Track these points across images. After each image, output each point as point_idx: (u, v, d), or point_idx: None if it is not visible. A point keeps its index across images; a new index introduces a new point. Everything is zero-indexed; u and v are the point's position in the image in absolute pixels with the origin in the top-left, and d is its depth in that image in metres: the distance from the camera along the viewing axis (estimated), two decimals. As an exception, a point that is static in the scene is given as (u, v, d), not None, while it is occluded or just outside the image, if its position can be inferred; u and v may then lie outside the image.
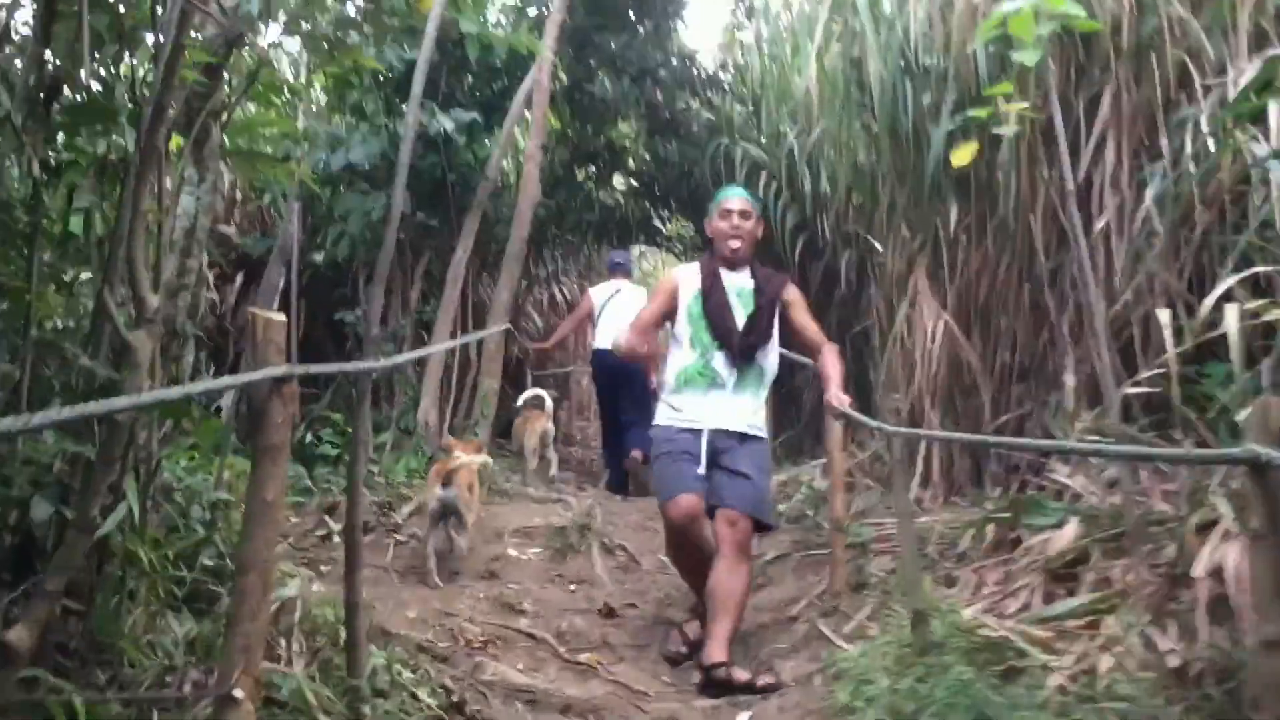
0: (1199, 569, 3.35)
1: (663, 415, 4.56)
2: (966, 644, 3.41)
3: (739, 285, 4.59)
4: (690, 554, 4.31)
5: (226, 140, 5.66)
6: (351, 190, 7.61)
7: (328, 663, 3.22)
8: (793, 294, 4.70)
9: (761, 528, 4.38)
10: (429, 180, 7.95)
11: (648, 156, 10.96)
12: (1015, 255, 5.76)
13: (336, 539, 5.70)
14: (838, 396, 4.32)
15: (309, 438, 7.44)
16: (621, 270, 8.70)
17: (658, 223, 11.95)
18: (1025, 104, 4.08)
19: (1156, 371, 4.40)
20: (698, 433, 4.37)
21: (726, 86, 10.52)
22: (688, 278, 4.66)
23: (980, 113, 4.07)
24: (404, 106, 7.55)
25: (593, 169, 11.24)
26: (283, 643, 3.30)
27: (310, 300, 8.90)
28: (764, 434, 4.58)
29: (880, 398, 6.39)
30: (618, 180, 11.73)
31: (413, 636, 3.87)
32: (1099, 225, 5.21)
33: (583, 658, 4.11)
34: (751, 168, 9.27)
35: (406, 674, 3.34)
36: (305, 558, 5.20)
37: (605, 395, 8.37)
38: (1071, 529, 4.40)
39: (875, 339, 6.96)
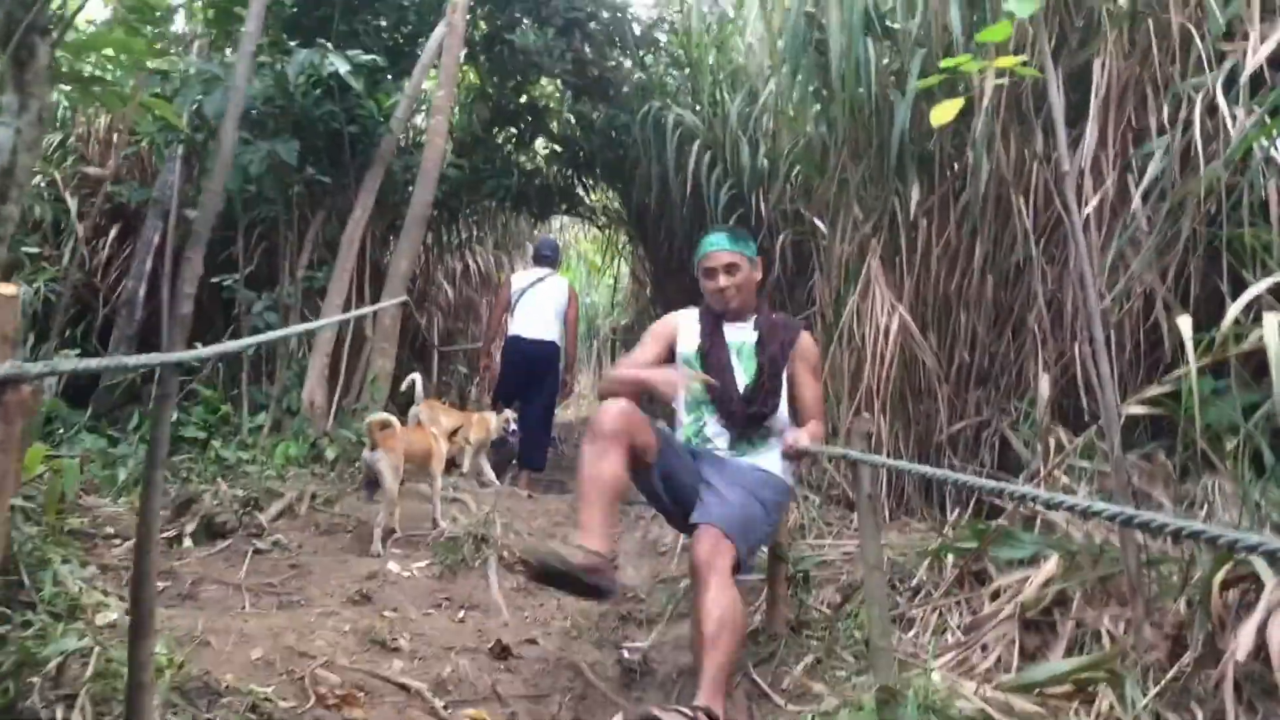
0: (1239, 648, 2.69)
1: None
2: (942, 725, 2.72)
3: (740, 340, 3.88)
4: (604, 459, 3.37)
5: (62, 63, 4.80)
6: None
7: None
8: (804, 346, 3.93)
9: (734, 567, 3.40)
10: (324, 131, 7.05)
11: (573, 120, 10.13)
12: (984, 241, 5.09)
13: (187, 542, 4.87)
14: (795, 434, 3.62)
15: (175, 416, 6.55)
16: (549, 261, 8.05)
17: (581, 192, 11.14)
18: (1021, 58, 3.36)
19: (1162, 390, 3.76)
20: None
21: (661, 45, 9.72)
22: (687, 326, 3.96)
23: (968, 64, 3.36)
24: (295, 45, 6.66)
25: (513, 131, 10.38)
26: (57, 716, 2.48)
27: (179, 255, 7.97)
28: (777, 471, 3.75)
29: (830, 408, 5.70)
30: (539, 144, 10.88)
31: (248, 690, 3.07)
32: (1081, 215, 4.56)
33: (466, 715, 3.33)
34: (684, 136, 8.52)
35: (223, 759, 2.54)
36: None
37: (512, 383, 7.69)
38: (1049, 567, 3.76)
39: (818, 332, 6.26)
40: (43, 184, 8.30)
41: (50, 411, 6.88)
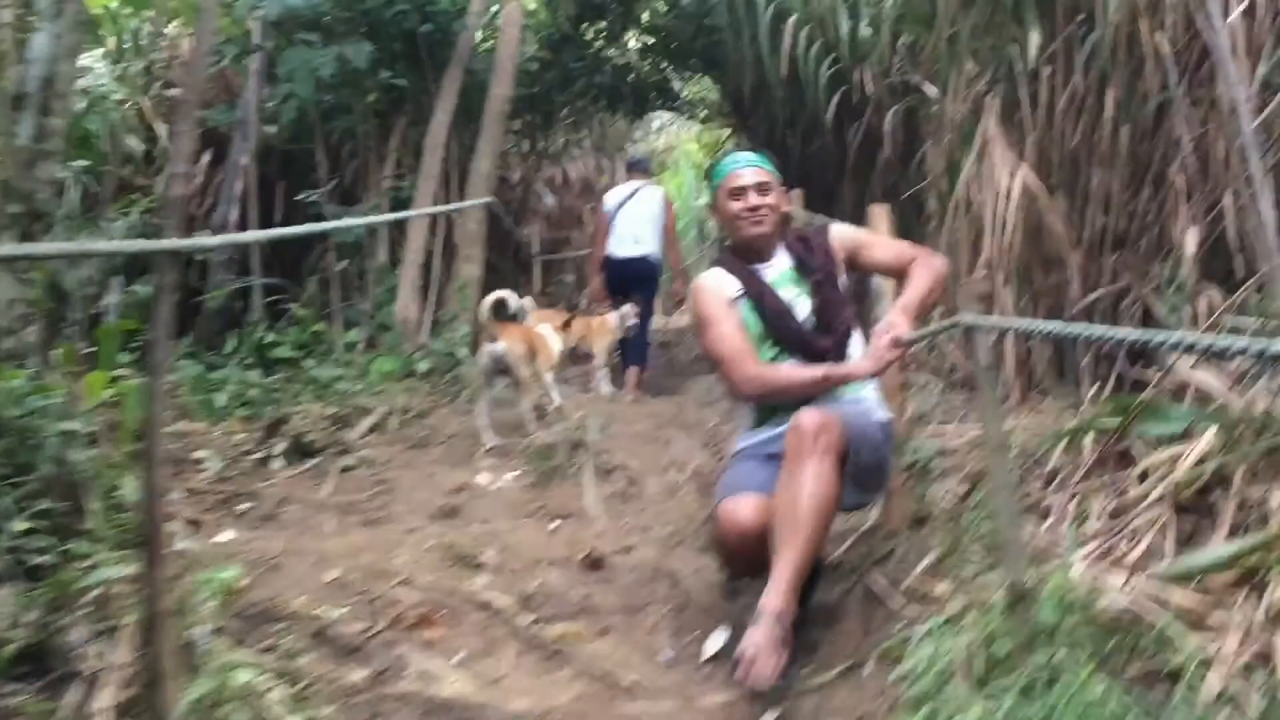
0: None
1: (740, 441, 3.37)
2: (1085, 625, 2.32)
3: (778, 274, 3.31)
4: (747, 568, 3.02)
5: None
6: (296, 44, 6.38)
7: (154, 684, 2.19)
8: (843, 237, 3.39)
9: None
10: (398, 32, 6.73)
11: (661, 7, 9.62)
12: (1116, 86, 4.51)
13: (276, 463, 4.72)
14: (888, 324, 3.05)
15: (268, 337, 6.44)
16: (639, 169, 7.87)
17: (678, 85, 10.67)
18: None
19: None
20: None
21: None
22: (726, 286, 3.30)
23: None
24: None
25: (602, 25, 9.93)
26: (91, 652, 2.28)
27: (267, 175, 7.84)
28: (876, 406, 3.29)
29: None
30: (630, 38, 10.41)
31: (315, 615, 2.85)
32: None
33: (554, 633, 3.07)
34: (779, 12, 7.95)
35: (275, 691, 2.30)
36: (223, 493, 4.20)
37: (616, 298, 7.45)
38: (1205, 442, 3.29)
39: (932, 205, 5.75)
40: (130, 113, 8.21)
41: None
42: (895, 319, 3.04)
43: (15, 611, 2.32)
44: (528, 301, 6.49)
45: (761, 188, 3.27)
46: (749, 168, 3.30)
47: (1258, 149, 2.75)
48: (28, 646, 2.25)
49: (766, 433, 3.21)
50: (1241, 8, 3.79)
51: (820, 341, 3.19)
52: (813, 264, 3.28)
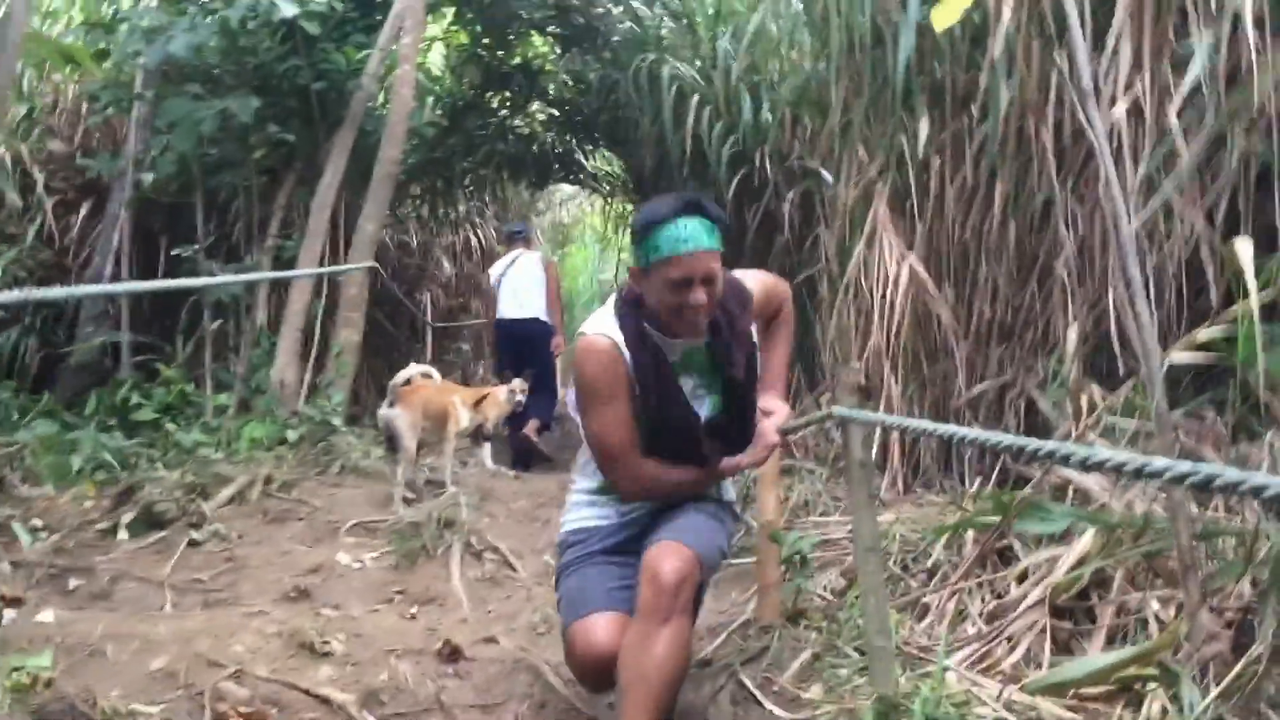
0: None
1: (575, 515, 2.92)
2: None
3: (684, 353, 2.73)
4: (607, 684, 2.66)
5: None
6: (180, 95, 6.13)
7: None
8: (761, 302, 2.90)
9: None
10: (290, 88, 6.53)
11: (568, 81, 9.59)
12: (1005, 180, 4.52)
13: (121, 534, 4.40)
14: (768, 425, 2.81)
15: (132, 397, 6.11)
16: (520, 239, 8.16)
17: (581, 157, 10.61)
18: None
19: (1212, 333, 3.21)
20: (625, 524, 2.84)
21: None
22: (620, 350, 2.67)
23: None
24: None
25: (507, 95, 9.86)
26: None
27: (149, 230, 7.53)
28: (729, 496, 3.02)
29: (829, 362, 5.16)
30: (535, 108, 10.35)
31: (129, 711, 2.58)
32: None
33: (396, 732, 2.84)
34: (682, 90, 7.94)
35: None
36: (56, 567, 3.88)
37: (507, 363, 7.62)
38: (1084, 543, 3.22)
39: (824, 289, 5.71)
40: (8, 160, 7.85)
41: (6, 395, 6.46)
42: (773, 405, 2.85)
43: None
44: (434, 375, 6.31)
45: (709, 279, 2.54)
46: (701, 252, 2.52)
47: (1135, 251, 2.70)
48: None
49: (607, 512, 2.85)
50: (1123, 107, 3.81)
51: (711, 453, 2.73)
52: (731, 353, 2.72)
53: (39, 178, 7.95)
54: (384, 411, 5.33)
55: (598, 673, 2.60)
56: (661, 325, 2.65)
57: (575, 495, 2.95)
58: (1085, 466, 1.42)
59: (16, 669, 2.70)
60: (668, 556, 2.49)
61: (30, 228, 7.78)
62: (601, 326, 2.69)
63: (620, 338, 2.65)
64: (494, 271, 7.93)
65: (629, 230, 2.77)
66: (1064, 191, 4.35)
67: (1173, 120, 3.70)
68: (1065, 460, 1.45)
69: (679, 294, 2.53)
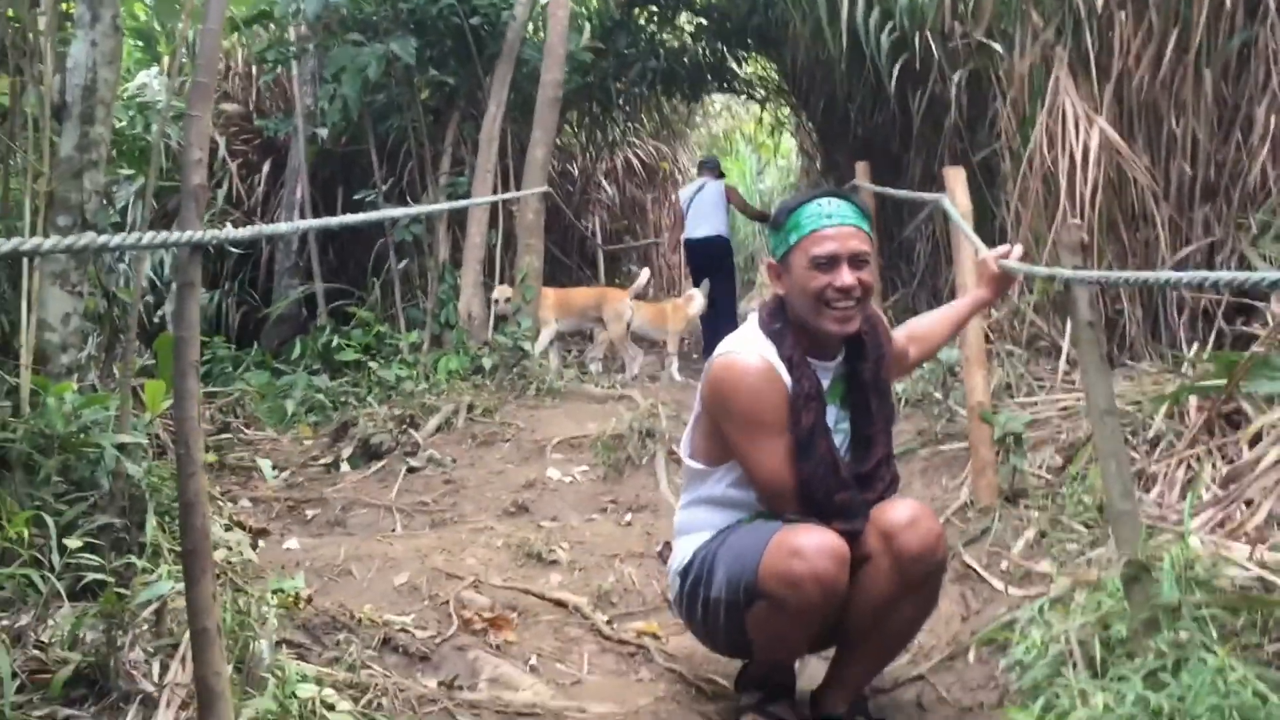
0: None
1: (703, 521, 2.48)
2: (1210, 602, 2.11)
3: (835, 378, 2.44)
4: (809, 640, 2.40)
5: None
6: (343, 44, 6.29)
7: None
8: (899, 342, 2.65)
9: None
10: (446, 28, 6.62)
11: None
12: (1196, 26, 4.25)
13: (344, 467, 4.64)
14: (996, 251, 2.60)
15: (333, 341, 6.40)
16: (708, 168, 8.83)
17: (734, 65, 10.44)
18: None
19: None
20: None
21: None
22: (778, 374, 2.34)
23: None
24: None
25: (653, 9, 9.76)
26: (149, 671, 2.18)
27: (327, 180, 7.81)
28: None
29: (1021, 233, 4.95)
30: (684, 19, 10.21)
31: (384, 621, 2.74)
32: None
33: (631, 631, 2.94)
34: (834, -17, 7.70)
35: (341, 704, 2.19)
36: (291, 500, 4.13)
37: (699, 278, 8.29)
38: (1321, 398, 3.06)
39: (1006, 165, 5.49)
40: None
41: (217, 351, 6.84)
42: (999, 251, 2.62)
43: (73, 631, 2.24)
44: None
45: (858, 259, 2.30)
46: (845, 226, 2.29)
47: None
48: (85, 667, 2.17)
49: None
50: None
51: (845, 506, 2.30)
52: (865, 375, 2.41)
53: (220, 141, 8.32)
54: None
55: (823, 603, 2.19)
56: (811, 342, 2.36)
57: (694, 512, 2.51)
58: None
59: (277, 591, 2.90)
60: (922, 520, 2.28)
61: (219, 192, 8.16)
62: (750, 345, 2.37)
63: (775, 358, 2.34)
64: (683, 195, 8.70)
65: (769, 227, 2.60)
66: (1264, 28, 4.06)
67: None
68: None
69: (825, 275, 2.27)
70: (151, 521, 2.98)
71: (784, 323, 2.37)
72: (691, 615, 2.44)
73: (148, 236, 1.77)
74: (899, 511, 2.29)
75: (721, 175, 8.94)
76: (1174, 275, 1.71)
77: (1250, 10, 4.20)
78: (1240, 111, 4.42)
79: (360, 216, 2.94)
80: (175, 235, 1.81)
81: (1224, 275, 1.58)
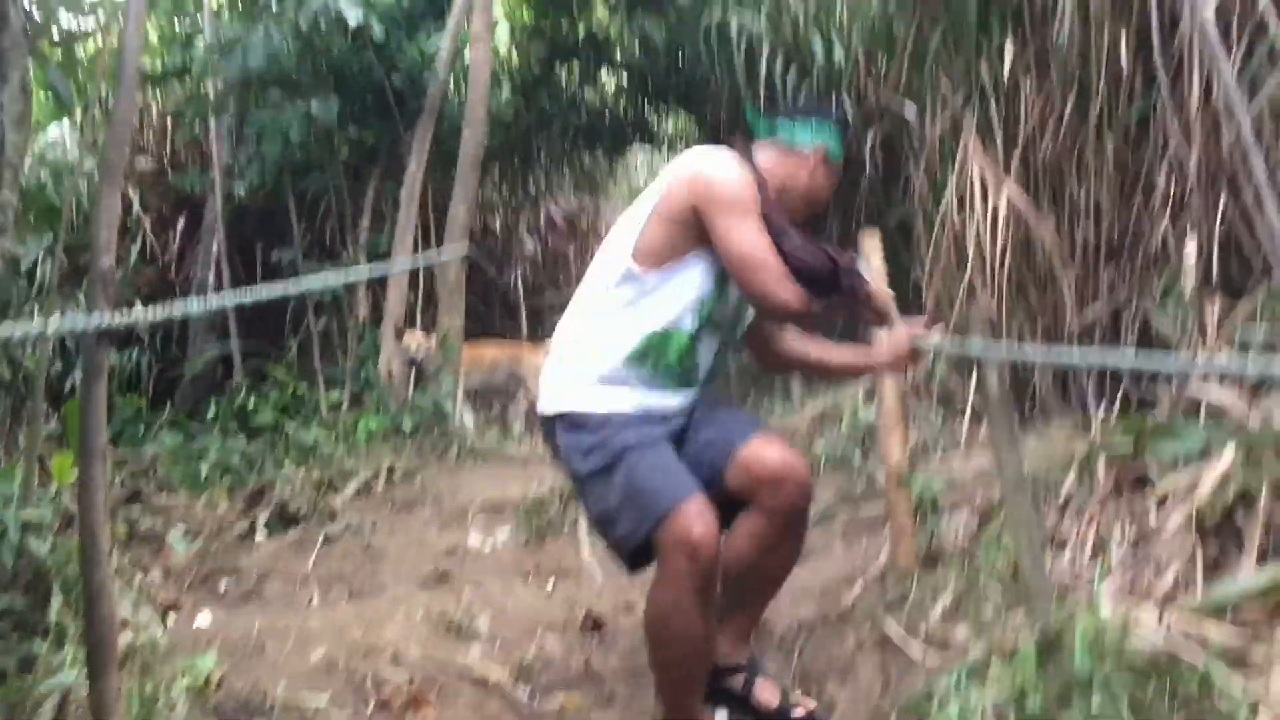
0: None
1: (622, 394, 2.58)
2: (1121, 671, 2.16)
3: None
4: (711, 594, 2.54)
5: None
6: (263, 104, 6.26)
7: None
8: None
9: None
10: (367, 86, 6.61)
11: (635, 46, 9.54)
12: (1097, 93, 4.41)
13: (259, 535, 4.55)
14: (911, 330, 2.69)
15: (249, 402, 6.29)
16: None
17: (654, 120, 10.56)
18: None
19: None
20: (666, 418, 2.64)
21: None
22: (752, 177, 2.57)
23: None
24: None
25: (575, 66, 9.85)
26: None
27: (245, 235, 7.72)
28: None
29: (929, 304, 5.07)
30: (604, 76, 10.32)
31: (298, 704, 2.68)
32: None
33: (554, 705, 2.91)
34: (752, 42, 7.85)
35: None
36: (204, 571, 4.03)
37: None
38: (1224, 462, 3.14)
39: (919, 227, 5.61)
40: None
41: (131, 413, 6.69)
42: (914, 329, 2.72)
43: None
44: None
45: None
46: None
47: (1258, 148, 2.61)
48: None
49: (655, 395, 2.61)
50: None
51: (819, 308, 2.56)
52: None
53: (135, 197, 8.17)
54: None
55: (710, 569, 2.39)
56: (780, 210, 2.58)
57: (605, 369, 2.58)
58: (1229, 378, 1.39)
59: (186, 671, 2.82)
60: (795, 456, 2.64)
61: (132, 248, 8.01)
62: (729, 154, 2.57)
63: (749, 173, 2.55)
64: None
65: (794, 108, 3.08)
66: (1164, 94, 4.21)
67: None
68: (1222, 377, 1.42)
69: (826, 192, 2.72)
70: (56, 602, 2.89)
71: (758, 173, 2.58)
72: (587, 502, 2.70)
73: (52, 323, 1.73)
74: (772, 460, 2.57)
75: None
76: (1080, 361, 1.76)
77: (1148, 79, 4.36)
78: (1142, 175, 4.57)
79: (276, 288, 2.91)
80: (81, 320, 1.78)
81: (1126, 360, 1.63)
